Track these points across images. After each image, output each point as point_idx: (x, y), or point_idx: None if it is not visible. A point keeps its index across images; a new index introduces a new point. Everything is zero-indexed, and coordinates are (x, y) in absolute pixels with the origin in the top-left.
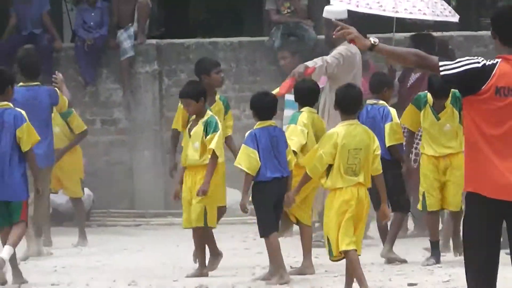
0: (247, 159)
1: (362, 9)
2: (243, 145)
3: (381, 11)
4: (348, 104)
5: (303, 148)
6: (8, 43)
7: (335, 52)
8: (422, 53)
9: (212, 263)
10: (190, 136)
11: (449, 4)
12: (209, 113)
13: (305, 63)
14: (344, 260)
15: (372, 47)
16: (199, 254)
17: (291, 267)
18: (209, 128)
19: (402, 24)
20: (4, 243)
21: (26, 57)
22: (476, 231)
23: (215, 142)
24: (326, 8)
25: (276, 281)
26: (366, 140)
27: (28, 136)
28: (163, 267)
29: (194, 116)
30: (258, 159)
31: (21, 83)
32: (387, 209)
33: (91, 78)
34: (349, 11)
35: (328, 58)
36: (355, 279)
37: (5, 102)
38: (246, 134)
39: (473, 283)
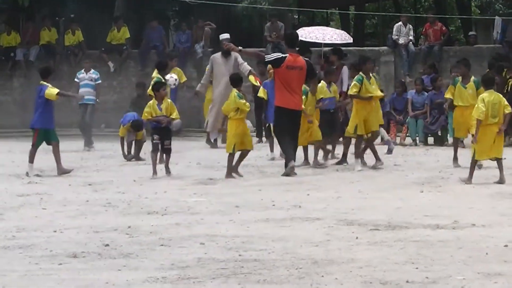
0: None
1: (307, 39)
2: None
3: (318, 39)
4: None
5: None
6: (142, 50)
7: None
8: (260, 53)
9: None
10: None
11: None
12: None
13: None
14: None
15: (240, 51)
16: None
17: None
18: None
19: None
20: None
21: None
22: (283, 124)
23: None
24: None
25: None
26: None
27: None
28: None
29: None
30: None
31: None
32: None
33: (182, 64)
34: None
35: (245, 64)
36: None
37: (44, 82)
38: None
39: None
